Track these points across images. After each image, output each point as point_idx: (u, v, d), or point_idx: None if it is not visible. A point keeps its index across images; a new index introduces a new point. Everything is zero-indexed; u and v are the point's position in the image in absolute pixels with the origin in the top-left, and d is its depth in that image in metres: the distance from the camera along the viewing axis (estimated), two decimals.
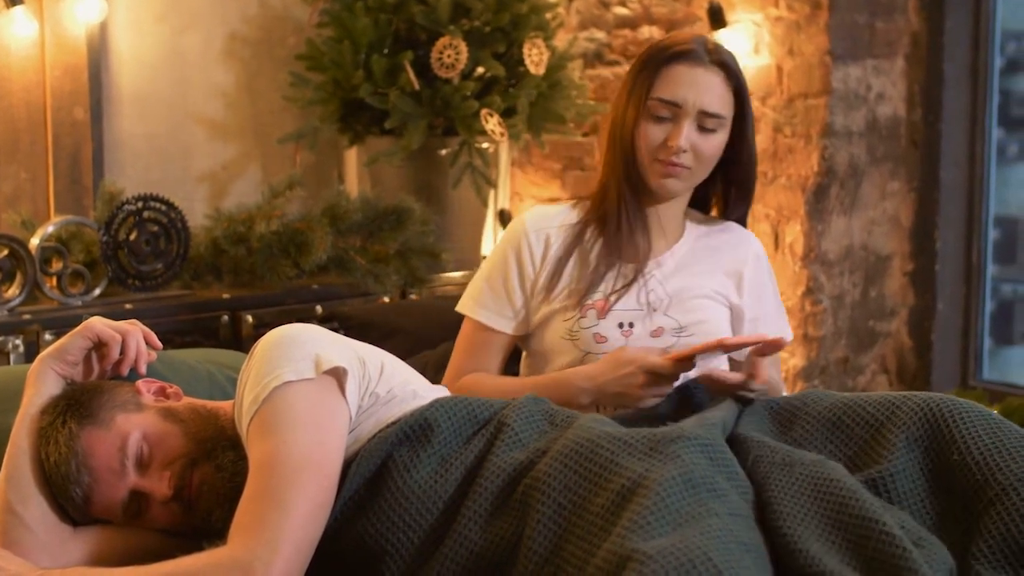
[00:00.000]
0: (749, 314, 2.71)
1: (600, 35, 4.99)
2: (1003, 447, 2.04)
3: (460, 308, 2.74)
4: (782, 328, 2.76)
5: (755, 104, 4.34)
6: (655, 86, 2.59)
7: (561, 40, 4.86)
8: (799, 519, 1.94)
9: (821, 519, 1.95)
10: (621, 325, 2.59)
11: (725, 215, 2.78)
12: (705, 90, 2.57)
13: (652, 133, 2.59)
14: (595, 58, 5.02)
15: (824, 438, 2.18)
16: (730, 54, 2.63)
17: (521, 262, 2.68)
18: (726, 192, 2.76)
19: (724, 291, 2.69)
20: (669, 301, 2.63)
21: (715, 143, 2.60)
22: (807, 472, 2.03)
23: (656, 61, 2.60)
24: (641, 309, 2.61)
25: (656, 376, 2.42)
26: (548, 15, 4.64)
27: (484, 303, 2.70)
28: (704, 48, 2.59)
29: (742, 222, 2.79)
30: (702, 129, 2.57)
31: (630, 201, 2.64)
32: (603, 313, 2.59)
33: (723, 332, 2.65)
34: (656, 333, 2.61)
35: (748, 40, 4.42)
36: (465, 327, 2.74)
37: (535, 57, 4.49)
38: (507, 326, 2.69)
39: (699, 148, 2.58)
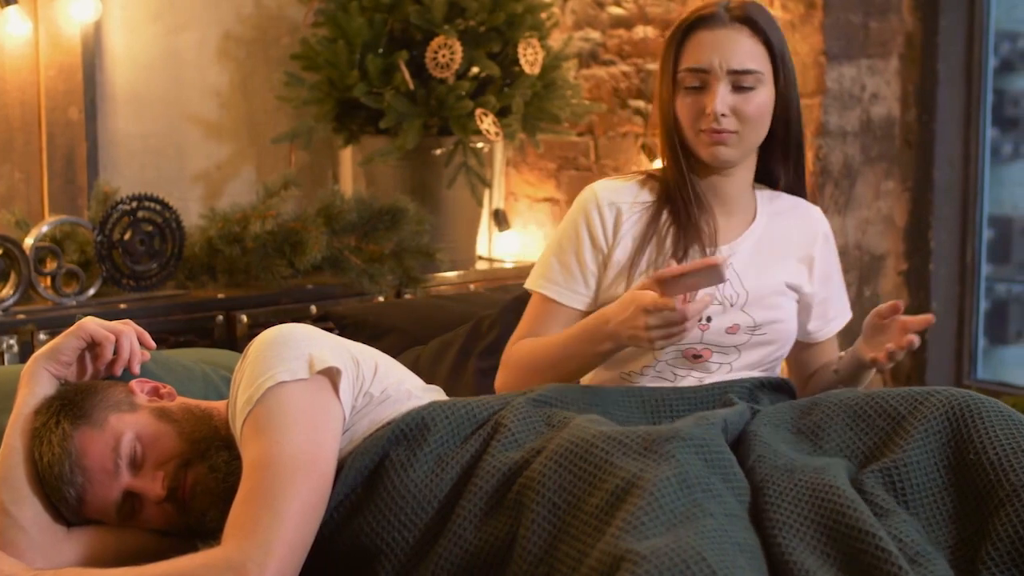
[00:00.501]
0: (818, 297, 2.66)
1: (595, 35, 4.99)
2: (1019, 448, 2.04)
3: (529, 285, 2.64)
4: (845, 307, 2.75)
5: None
6: (682, 57, 2.53)
7: (556, 40, 4.86)
8: (794, 529, 1.94)
9: (816, 528, 1.95)
10: (699, 319, 2.48)
11: (787, 187, 2.69)
12: (730, 49, 2.49)
13: (688, 105, 2.52)
14: (590, 58, 5.02)
15: (844, 424, 2.19)
16: (757, 7, 2.54)
17: (593, 234, 2.58)
18: (784, 158, 2.65)
19: (797, 281, 2.63)
20: (747, 297, 2.55)
21: (757, 101, 2.51)
22: (807, 479, 2.02)
23: (680, 32, 2.55)
24: (721, 304, 2.53)
25: (657, 314, 2.31)
26: (543, 15, 4.64)
27: (553, 278, 2.60)
28: (725, 8, 2.52)
29: (803, 192, 2.71)
30: (739, 88, 2.49)
31: (689, 180, 2.56)
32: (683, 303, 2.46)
33: (794, 331, 2.63)
34: (732, 330, 2.54)
35: None
36: (533, 302, 2.64)
37: (530, 57, 4.48)
38: (578, 302, 2.59)
39: (740, 109, 2.49)
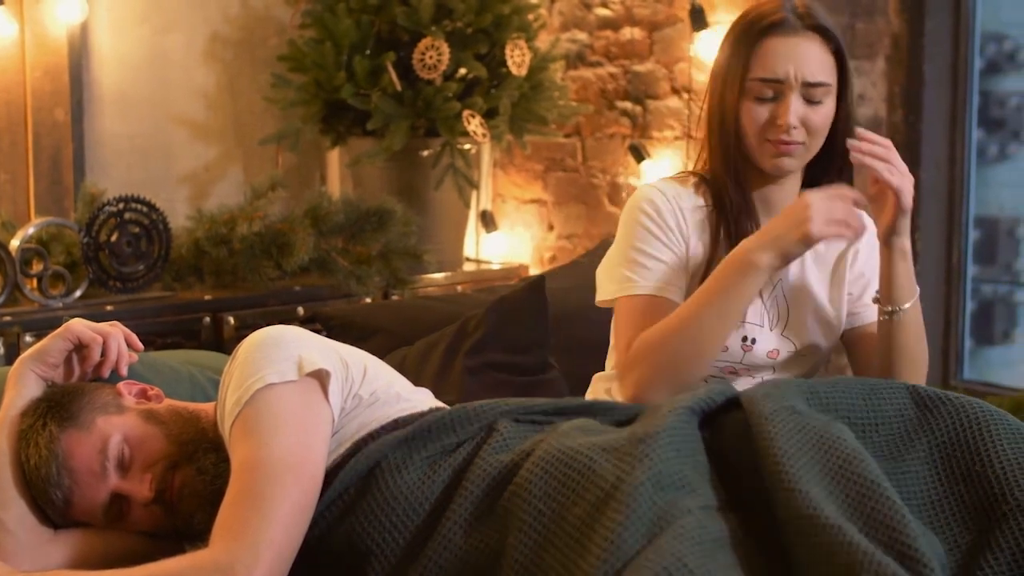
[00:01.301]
0: (857, 285, 2.61)
1: (582, 36, 5.00)
2: None
3: (613, 294, 2.49)
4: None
5: None
6: (752, 65, 2.44)
7: (543, 41, 4.86)
8: (802, 464, 1.93)
9: (823, 469, 1.95)
10: (745, 339, 2.47)
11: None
12: (805, 60, 2.42)
13: (758, 114, 2.44)
14: (577, 59, 5.02)
15: (856, 394, 2.18)
16: (822, 11, 2.47)
17: (670, 226, 2.49)
18: (832, 167, 2.55)
19: (839, 304, 2.58)
20: (787, 319, 2.51)
21: (824, 113, 2.45)
22: (813, 424, 2.03)
23: (748, 37, 2.45)
24: (761, 324, 2.50)
25: (826, 195, 2.33)
26: (530, 16, 4.64)
27: (645, 275, 2.47)
28: (795, 14, 2.44)
29: None
30: (808, 101, 2.43)
31: (738, 188, 2.49)
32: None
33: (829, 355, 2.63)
34: (772, 354, 2.52)
35: None
36: (626, 310, 2.48)
37: (517, 58, 4.49)
38: (676, 294, 2.48)
39: (809, 121, 2.43)
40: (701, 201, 2.53)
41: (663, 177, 2.60)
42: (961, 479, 2.06)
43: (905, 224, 2.38)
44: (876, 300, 2.47)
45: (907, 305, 2.44)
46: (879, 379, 2.30)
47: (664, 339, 2.38)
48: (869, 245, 2.59)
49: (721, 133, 2.49)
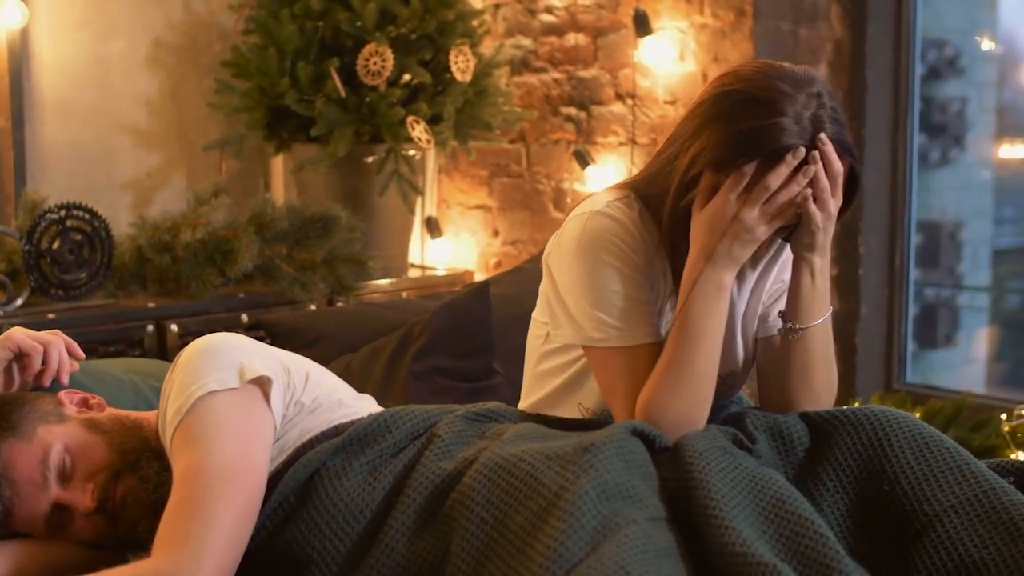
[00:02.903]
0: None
1: (527, 42, 5.00)
2: (931, 475, 2.04)
3: (610, 343, 2.28)
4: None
5: (680, 111, 4.37)
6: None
7: (488, 47, 4.86)
8: (734, 503, 1.92)
9: (755, 508, 1.94)
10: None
11: None
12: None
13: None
14: (522, 65, 5.02)
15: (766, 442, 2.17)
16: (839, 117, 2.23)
17: (637, 267, 2.31)
18: None
19: (751, 326, 2.45)
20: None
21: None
22: (744, 464, 2.03)
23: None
24: None
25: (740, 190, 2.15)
26: (474, 22, 4.64)
27: (634, 320, 2.28)
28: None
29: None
30: None
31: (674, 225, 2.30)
32: None
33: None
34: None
35: (674, 47, 4.44)
36: (618, 357, 2.29)
37: (461, 64, 4.49)
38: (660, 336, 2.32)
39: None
40: (646, 235, 2.34)
41: (613, 203, 2.36)
42: (873, 502, 2.06)
43: (817, 241, 2.22)
44: (780, 314, 2.35)
45: (805, 325, 2.28)
46: (781, 417, 2.21)
47: (670, 394, 2.20)
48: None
49: (674, 196, 2.28)
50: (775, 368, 2.36)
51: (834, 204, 2.19)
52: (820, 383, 2.32)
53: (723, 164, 2.17)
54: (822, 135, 2.15)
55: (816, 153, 2.15)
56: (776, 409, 2.32)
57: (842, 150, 2.18)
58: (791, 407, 2.30)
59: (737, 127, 2.16)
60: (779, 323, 2.35)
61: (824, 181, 2.16)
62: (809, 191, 2.16)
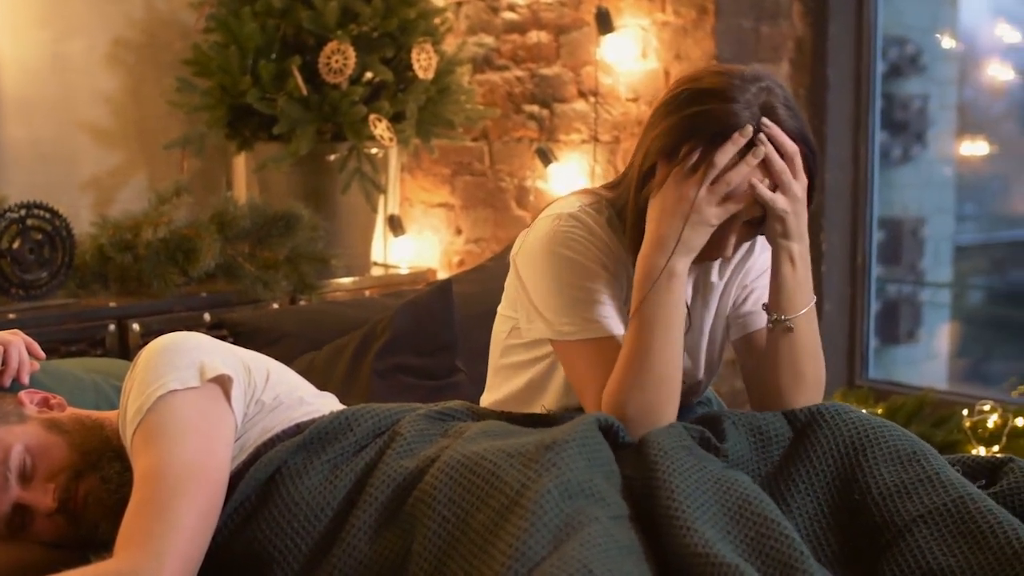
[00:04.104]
0: (749, 297, 2.45)
1: (489, 40, 5.00)
2: (903, 487, 2.04)
3: (580, 335, 2.28)
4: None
5: (643, 108, 4.38)
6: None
7: (450, 45, 4.86)
8: (697, 503, 1.92)
9: (720, 508, 1.94)
10: None
11: None
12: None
13: None
14: (484, 63, 5.02)
15: (744, 443, 2.15)
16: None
17: (605, 267, 2.31)
18: None
19: (718, 334, 2.45)
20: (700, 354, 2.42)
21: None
22: (709, 466, 2.02)
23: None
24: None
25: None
26: (436, 20, 4.64)
27: (604, 313, 2.28)
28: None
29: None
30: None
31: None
32: None
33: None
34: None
35: (636, 45, 4.44)
36: (584, 351, 2.29)
37: (424, 62, 4.48)
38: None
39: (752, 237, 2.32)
40: (611, 236, 2.34)
41: (585, 207, 2.36)
42: (845, 510, 2.06)
43: (789, 227, 2.21)
44: (765, 307, 2.31)
45: (792, 316, 2.26)
46: (761, 415, 2.20)
47: (632, 386, 2.19)
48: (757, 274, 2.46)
49: (633, 193, 2.28)
50: (764, 365, 2.32)
51: (798, 186, 2.18)
52: (811, 376, 2.29)
53: (673, 151, 2.17)
54: (765, 119, 2.15)
55: (763, 135, 2.15)
56: (768, 408, 2.28)
57: (795, 136, 2.18)
58: (784, 403, 2.27)
59: (685, 114, 2.18)
60: (758, 320, 2.35)
61: (779, 163, 2.16)
62: (763, 179, 2.16)
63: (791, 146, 2.17)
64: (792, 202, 2.18)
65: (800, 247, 2.24)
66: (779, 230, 2.21)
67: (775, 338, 2.28)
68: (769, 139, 2.15)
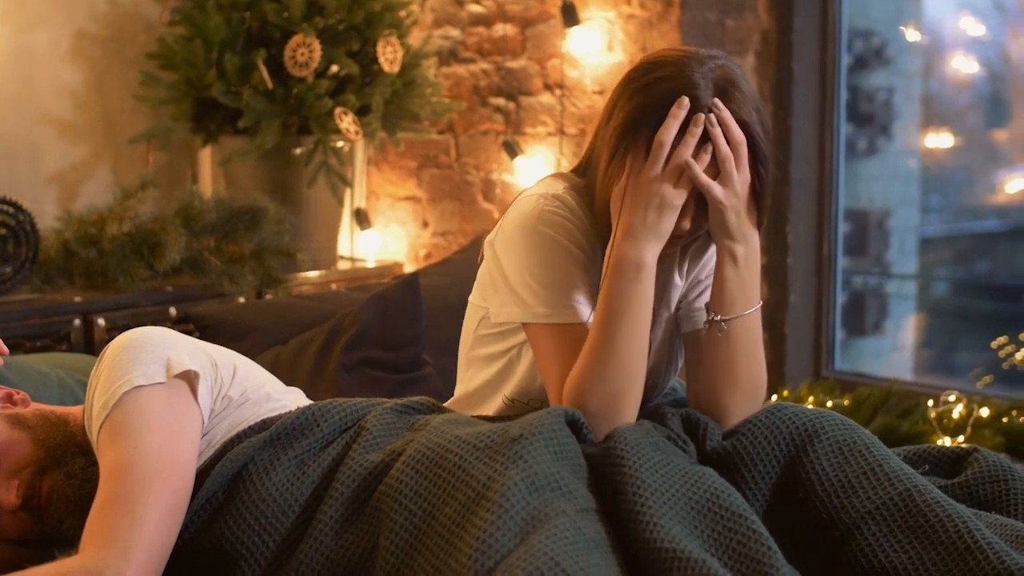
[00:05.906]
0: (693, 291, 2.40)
1: (455, 33, 4.99)
2: (847, 481, 2.03)
3: (554, 319, 2.24)
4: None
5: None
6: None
7: (415, 38, 4.86)
8: (664, 499, 1.91)
9: (688, 504, 1.93)
10: None
11: None
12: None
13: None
14: (450, 56, 5.02)
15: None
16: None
17: (579, 245, 2.27)
18: None
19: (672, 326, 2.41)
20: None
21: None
22: (676, 461, 2.02)
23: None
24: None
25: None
26: (402, 13, 4.63)
27: (578, 299, 2.23)
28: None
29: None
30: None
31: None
32: None
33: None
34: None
35: (601, 37, 4.44)
36: (556, 335, 2.24)
37: (389, 55, 4.48)
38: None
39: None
40: (585, 225, 2.31)
41: (557, 194, 2.32)
42: (792, 510, 2.05)
43: (728, 223, 2.16)
44: (706, 306, 2.25)
45: (729, 317, 2.21)
46: (701, 415, 2.19)
47: (594, 377, 2.16)
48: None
49: (601, 186, 2.25)
50: (701, 363, 2.27)
51: (738, 179, 2.13)
52: (746, 380, 2.22)
53: (630, 131, 2.15)
54: (717, 100, 2.12)
55: (713, 116, 2.11)
56: (703, 408, 2.24)
57: (746, 124, 2.14)
58: (717, 403, 2.22)
59: (640, 84, 2.16)
60: (702, 318, 2.28)
61: (724, 149, 2.11)
62: (700, 159, 2.11)
63: (738, 134, 2.12)
64: (730, 195, 2.13)
65: (745, 249, 2.19)
66: (719, 223, 2.16)
67: (710, 337, 2.23)
68: (719, 122, 2.12)
